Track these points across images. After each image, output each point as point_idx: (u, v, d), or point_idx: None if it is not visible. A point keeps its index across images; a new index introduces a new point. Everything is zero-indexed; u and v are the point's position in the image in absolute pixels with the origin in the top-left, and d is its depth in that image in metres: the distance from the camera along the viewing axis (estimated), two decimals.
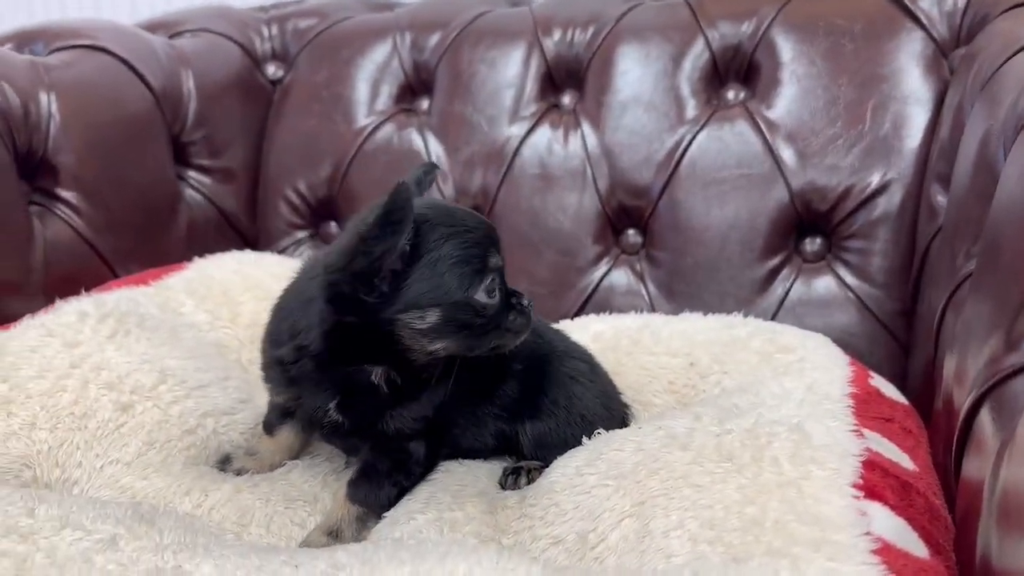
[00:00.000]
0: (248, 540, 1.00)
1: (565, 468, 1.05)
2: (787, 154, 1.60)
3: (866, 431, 1.03)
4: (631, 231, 1.73)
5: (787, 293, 1.60)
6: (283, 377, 1.07)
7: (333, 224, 1.94)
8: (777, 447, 0.95)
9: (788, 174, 1.59)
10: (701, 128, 1.68)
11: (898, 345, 1.52)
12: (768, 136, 1.61)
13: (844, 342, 1.45)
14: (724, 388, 1.25)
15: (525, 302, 1.04)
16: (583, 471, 1.01)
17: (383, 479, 1.04)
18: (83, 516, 0.91)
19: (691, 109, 1.69)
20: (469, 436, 1.15)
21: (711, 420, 1.04)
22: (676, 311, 1.59)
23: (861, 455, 0.94)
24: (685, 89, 1.69)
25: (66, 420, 1.15)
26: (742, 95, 1.67)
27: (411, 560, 0.77)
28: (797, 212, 1.60)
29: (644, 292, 1.69)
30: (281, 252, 1.91)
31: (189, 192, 1.86)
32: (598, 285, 1.72)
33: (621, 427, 1.19)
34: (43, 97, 1.57)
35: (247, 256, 1.66)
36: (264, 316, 1.37)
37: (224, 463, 1.20)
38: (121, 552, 0.86)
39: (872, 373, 1.26)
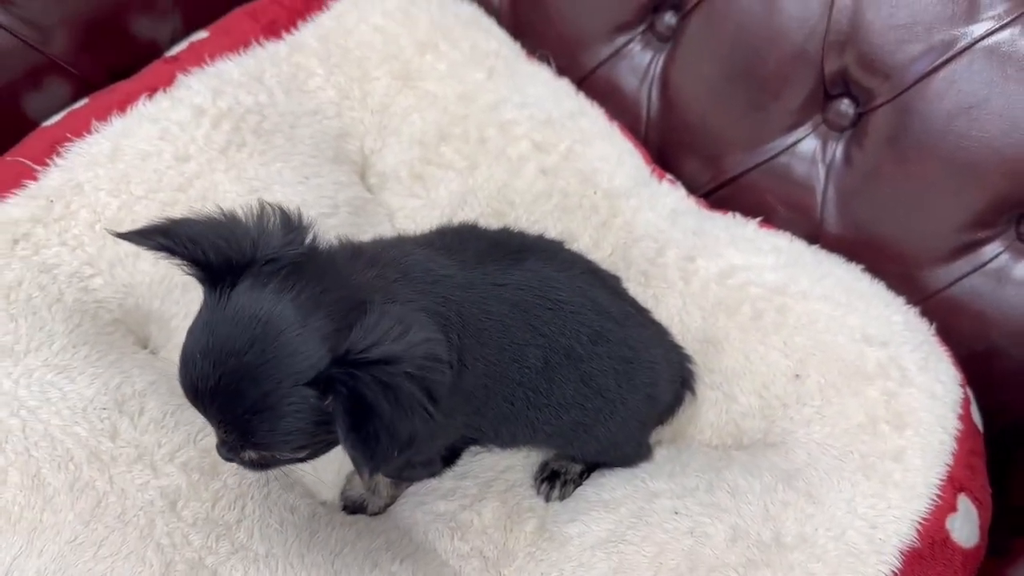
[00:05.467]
0: None
1: (588, 527, 1.07)
2: None
3: None
4: (845, 103, 1.39)
5: (975, 269, 1.34)
6: None
7: None
8: None
9: None
10: (1002, 27, 1.23)
11: None
12: None
13: None
14: (810, 446, 1.15)
15: None
16: (598, 550, 1.05)
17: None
18: None
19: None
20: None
21: (745, 548, 1.04)
22: (845, 226, 1.40)
23: None
24: None
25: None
26: None
27: None
28: None
29: (821, 178, 1.42)
30: None
31: None
32: (784, 151, 1.45)
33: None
34: None
35: (396, 3, 1.42)
36: (397, 98, 1.39)
37: None
38: None
39: (957, 506, 1.13)
